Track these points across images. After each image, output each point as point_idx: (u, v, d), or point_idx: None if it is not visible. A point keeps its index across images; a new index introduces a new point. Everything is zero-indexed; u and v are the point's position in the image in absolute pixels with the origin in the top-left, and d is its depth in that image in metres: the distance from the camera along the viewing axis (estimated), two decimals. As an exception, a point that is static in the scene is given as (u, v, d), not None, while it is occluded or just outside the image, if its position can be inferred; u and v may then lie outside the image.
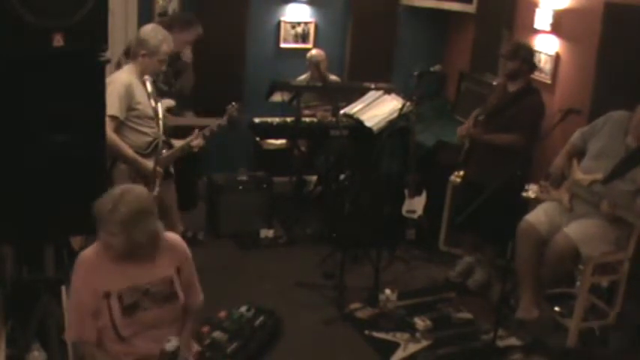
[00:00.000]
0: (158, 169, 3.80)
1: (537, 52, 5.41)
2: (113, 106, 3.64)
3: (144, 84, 3.79)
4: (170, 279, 2.65)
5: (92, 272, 2.56)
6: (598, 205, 3.84)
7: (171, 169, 4.17)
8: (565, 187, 4.05)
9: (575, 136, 4.11)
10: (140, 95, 3.80)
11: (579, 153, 4.07)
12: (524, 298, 4.12)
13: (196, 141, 4.07)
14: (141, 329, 2.59)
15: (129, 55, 4.57)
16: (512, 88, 4.47)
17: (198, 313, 2.87)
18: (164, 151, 3.88)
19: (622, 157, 3.84)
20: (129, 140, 3.79)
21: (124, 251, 2.52)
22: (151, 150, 3.86)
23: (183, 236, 3.92)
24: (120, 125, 3.75)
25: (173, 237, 2.77)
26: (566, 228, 3.88)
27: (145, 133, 3.85)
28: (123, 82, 3.74)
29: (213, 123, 4.13)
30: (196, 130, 4.09)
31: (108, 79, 3.79)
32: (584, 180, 3.94)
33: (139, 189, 2.60)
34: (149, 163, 3.78)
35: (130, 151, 3.76)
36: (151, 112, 3.82)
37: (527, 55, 4.42)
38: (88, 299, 2.56)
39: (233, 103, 4.17)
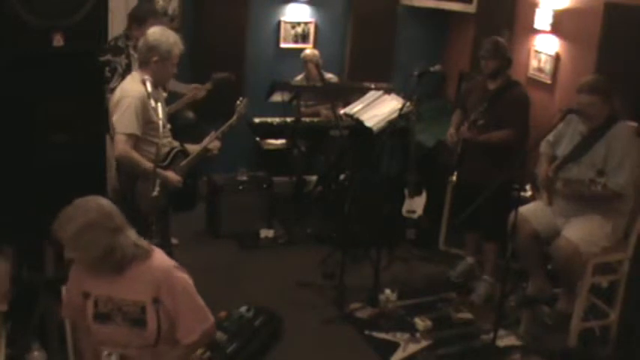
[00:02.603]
0: (178, 178, 3.74)
1: (537, 52, 5.42)
2: (130, 123, 3.53)
3: (144, 83, 3.74)
4: (142, 305, 2.49)
5: (82, 268, 2.55)
6: (558, 192, 3.95)
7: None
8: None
9: (544, 146, 4.16)
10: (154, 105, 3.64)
11: (553, 160, 4.12)
12: (534, 278, 4.19)
13: (212, 144, 3.94)
14: (108, 341, 2.57)
15: (115, 52, 4.52)
16: (492, 85, 4.49)
17: (190, 349, 2.64)
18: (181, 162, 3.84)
19: (576, 143, 3.93)
20: (148, 153, 3.62)
21: (86, 266, 2.47)
22: (169, 160, 3.76)
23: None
24: (137, 140, 3.62)
25: (159, 265, 2.53)
26: (564, 231, 3.90)
27: (163, 145, 3.69)
28: (138, 97, 3.57)
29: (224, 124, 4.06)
30: (213, 132, 3.98)
31: (120, 91, 3.65)
32: (549, 171, 4.00)
33: (94, 202, 2.42)
34: (171, 174, 3.69)
35: (150, 166, 3.58)
36: (165, 121, 3.70)
37: (505, 52, 4.46)
38: (73, 292, 2.61)
39: (241, 99, 4.10)
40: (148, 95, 3.58)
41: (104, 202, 2.46)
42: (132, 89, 3.61)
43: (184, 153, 3.87)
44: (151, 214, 3.57)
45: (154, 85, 3.56)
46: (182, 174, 3.79)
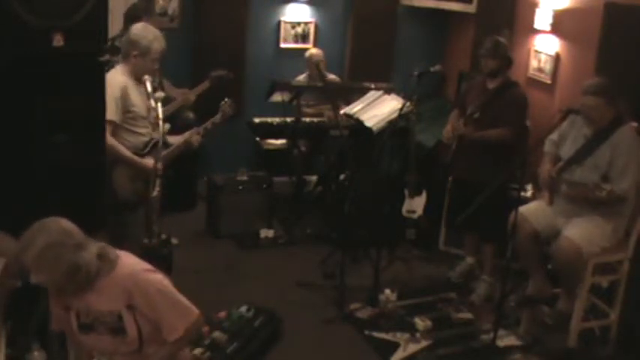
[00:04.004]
0: (158, 166, 3.80)
1: (537, 52, 5.42)
2: (109, 110, 3.61)
3: (144, 84, 3.78)
4: (117, 313, 2.48)
5: None
6: (562, 193, 3.96)
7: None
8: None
9: (547, 145, 4.16)
10: (135, 96, 3.79)
11: (556, 159, 4.12)
12: (534, 278, 4.19)
13: (194, 137, 4.07)
14: (97, 350, 2.59)
15: (113, 52, 4.56)
16: (491, 84, 4.50)
17: (176, 345, 2.61)
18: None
19: (580, 145, 3.93)
20: (126, 142, 3.79)
21: (54, 287, 2.46)
22: (148, 150, 3.87)
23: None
24: (116, 127, 3.75)
25: (126, 274, 2.50)
26: (565, 232, 3.90)
27: (141, 134, 3.86)
28: (118, 85, 3.73)
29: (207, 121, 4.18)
30: (194, 129, 4.11)
31: None
32: (552, 171, 4.00)
33: (52, 223, 2.40)
34: (148, 162, 3.78)
35: (127, 153, 3.77)
36: (145, 113, 3.83)
37: (506, 52, 4.47)
38: (55, 306, 2.61)
39: (226, 99, 4.18)
40: (148, 95, 3.65)
41: (62, 221, 2.43)
42: (113, 79, 3.73)
43: (164, 144, 3.92)
44: (128, 202, 3.74)
45: (138, 80, 3.74)
46: (161, 164, 3.83)
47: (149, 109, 3.92)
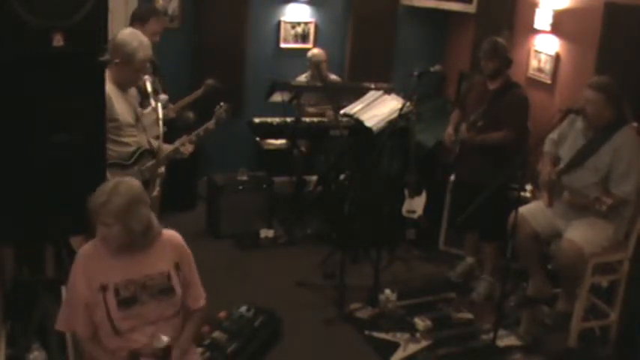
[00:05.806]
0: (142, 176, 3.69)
1: (537, 52, 5.43)
2: None
3: (144, 83, 3.73)
4: (167, 273, 2.68)
5: (90, 266, 2.60)
6: (562, 199, 3.97)
7: (162, 170, 4.10)
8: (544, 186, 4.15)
9: (547, 144, 4.16)
10: (120, 105, 3.59)
11: (556, 159, 4.12)
12: (534, 278, 4.21)
13: (184, 147, 3.92)
14: (138, 323, 2.62)
15: None
16: (492, 85, 4.50)
17: (200, 317, 2.89)
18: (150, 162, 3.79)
19: (580, 147, 3.92)
20: (111, 152, 3.53)
21: (122, 241, 2.56)
22: (134, 160, 3.71)
23: None
24: None
25: (172, 234, 2.79)
26: (567, 234, 3.91)
27: (127, 144, 3.67)
28: None
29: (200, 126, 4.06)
30: (184, 136, 3.97)
31: None
32: (552, 173, 4.00)
33: (131, 180, 2.63)
34: None
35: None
36: (132, 121, 3.67)
37: (504, 52, 4.46)
38: (83, 292, 2.61)
39: (221, 104, 4.09)
40: (148, 95, 3.59)
41: (136, 181, 2.66)
42: None
43: (151, 153, 3.82)
44: None
45: (121, 88, 3.60)
46: (149, 174, 3.75)
47: (138, 116, 3.77)
